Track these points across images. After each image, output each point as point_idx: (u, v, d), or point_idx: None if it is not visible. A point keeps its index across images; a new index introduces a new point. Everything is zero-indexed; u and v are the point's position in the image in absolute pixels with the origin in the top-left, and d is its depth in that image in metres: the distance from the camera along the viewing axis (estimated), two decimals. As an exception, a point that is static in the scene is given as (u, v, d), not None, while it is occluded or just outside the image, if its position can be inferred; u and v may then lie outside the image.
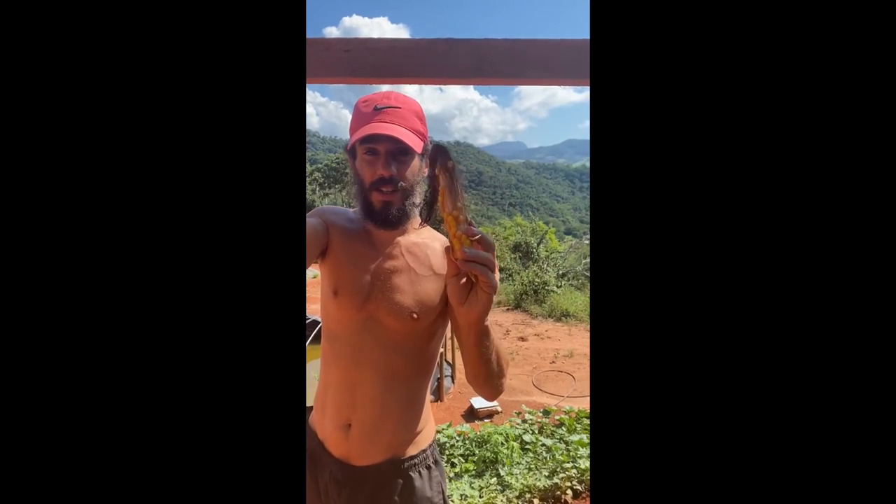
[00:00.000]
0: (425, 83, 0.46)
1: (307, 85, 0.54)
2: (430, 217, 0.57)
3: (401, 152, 0.77)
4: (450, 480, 2.78)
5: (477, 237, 0.53)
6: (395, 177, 0.77)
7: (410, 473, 0.81)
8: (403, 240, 0.82)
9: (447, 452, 3.09)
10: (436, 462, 0.86)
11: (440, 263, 0.82)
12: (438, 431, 3.32)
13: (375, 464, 0.80)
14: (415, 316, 0.78)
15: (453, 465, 2.95)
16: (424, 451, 0.84)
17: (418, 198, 0.81)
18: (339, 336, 0.81)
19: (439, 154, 0.54)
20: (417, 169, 0.80)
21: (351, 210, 0.87)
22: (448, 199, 0.53)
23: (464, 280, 0.56)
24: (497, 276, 0.55)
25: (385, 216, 0.78)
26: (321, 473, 0.83)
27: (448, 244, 0.54)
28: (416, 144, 0.77)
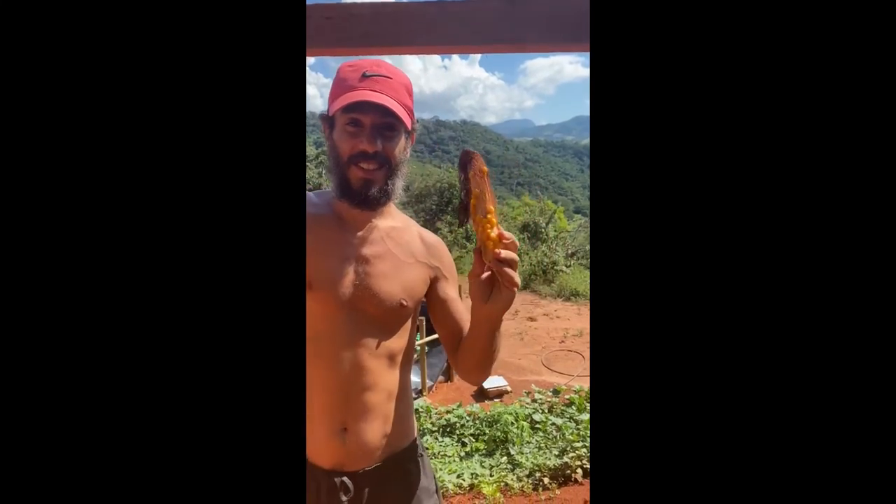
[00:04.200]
0: (415, 52, 0.42)
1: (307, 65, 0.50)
2: (466, 221, 0.60)
3: (388, 127, 0.70)
4: (460, 459, 2.81)
5: (509, 240, 0.58)
6: (381, 152, 0.70)
7: (408, 466, 0.78)
8: (380, 223, 0.76)
9: (458, 432, 3.13)
10: (423, 447, 0.83)
11: (421, 251, 0.78)
12: (448, 412, 3.35)
13: (373, 467, 0.75)
14: (404, 303, 0.74)
15: (464, 445, 2.99)
16: (414, 440, 0.81)
17: (401, 180, 0.75)
18: (320, 334, 0.72)
19: (473, 159, 0.58)
20: (403, 148, 0.73)
21: (312, 192, 0.79)
22: (482, 203, 0.58)
23: (485, 277, 0.61)
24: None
25: (364, 195, 0.71)
26: (310, 490, 0.75)
27: (478, 244, 0.60)
28: (406, 120, 0.71)
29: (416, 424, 0.83)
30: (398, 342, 0.77)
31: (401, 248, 0.77)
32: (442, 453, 2.88)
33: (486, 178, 0.58)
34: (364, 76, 0.69)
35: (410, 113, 0.73)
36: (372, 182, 0.71)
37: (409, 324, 0.78)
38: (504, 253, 0.57)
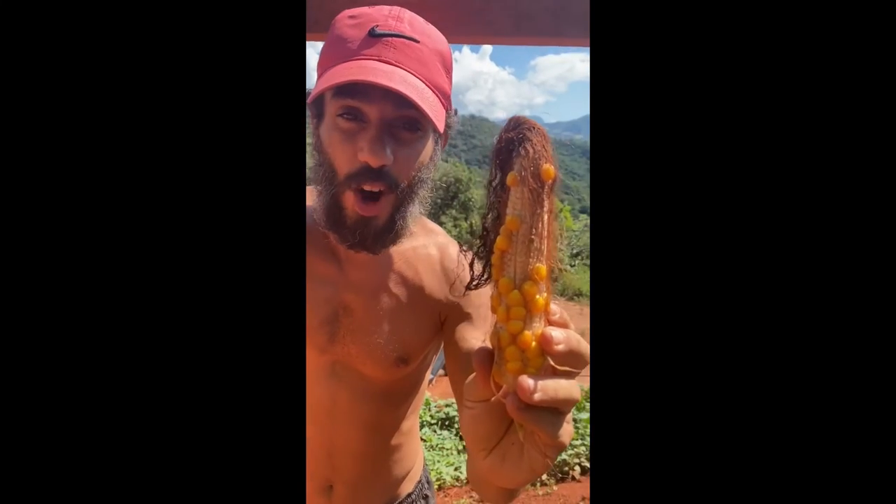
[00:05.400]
0: (460, 42, 0.42)
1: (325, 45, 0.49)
2: (488, 277, 0.28)
3: (408, 124, 0.44)
4: (458, 453, 2.83)
5: (560, 347, 0.26)
6: (389, 169, 0.44)
7: None
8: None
9: (457, 426, 3.15)
10: (428, 482, 0.72)
11: (436, 278, 0.54)
12: (448, 405, 3.37)
13: None
14: (402, 363, 0.54)
15: (462, 439, 3.00)
16: (419, 482, 0.68)
17: (418, 206, 0.49)
18: None
19: (528, 141, 0.25)
20: (429, 156, 0.47)
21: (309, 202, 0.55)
22: (523, 247, 0.26)
23: (493, 403, 0.29)
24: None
25: (361, 235, 0.47)
26: None
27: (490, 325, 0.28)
28: (438, 114, 0.44)
29: (423, 462, 0.71)
30: (399, 399, 0.59)
31: (406, 283, 0.54)
32: (440, 446, 2.90)
33: (550, 193, 0.26)
34: (373, 34, 0.42)
35: (446, 99, 0.47)
36: (372, 220, 0.46)
37: (415, 374, 0.59)
38: (541, 388, 0.25)
